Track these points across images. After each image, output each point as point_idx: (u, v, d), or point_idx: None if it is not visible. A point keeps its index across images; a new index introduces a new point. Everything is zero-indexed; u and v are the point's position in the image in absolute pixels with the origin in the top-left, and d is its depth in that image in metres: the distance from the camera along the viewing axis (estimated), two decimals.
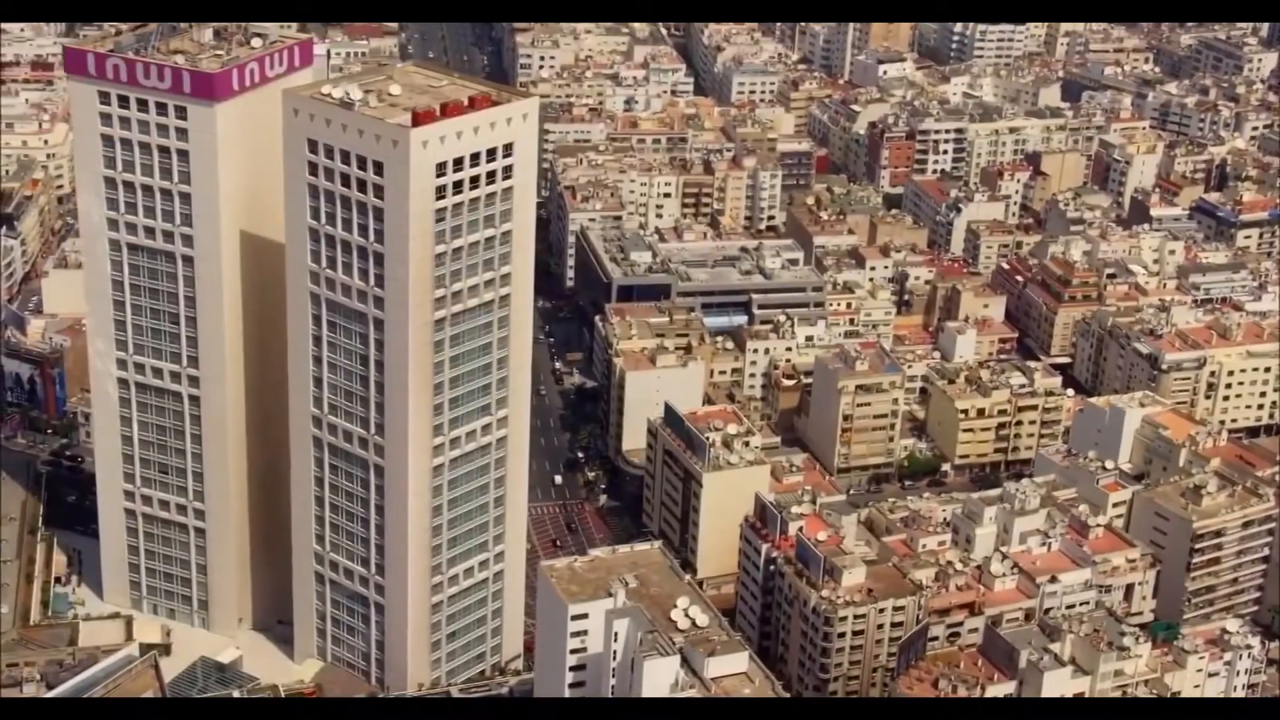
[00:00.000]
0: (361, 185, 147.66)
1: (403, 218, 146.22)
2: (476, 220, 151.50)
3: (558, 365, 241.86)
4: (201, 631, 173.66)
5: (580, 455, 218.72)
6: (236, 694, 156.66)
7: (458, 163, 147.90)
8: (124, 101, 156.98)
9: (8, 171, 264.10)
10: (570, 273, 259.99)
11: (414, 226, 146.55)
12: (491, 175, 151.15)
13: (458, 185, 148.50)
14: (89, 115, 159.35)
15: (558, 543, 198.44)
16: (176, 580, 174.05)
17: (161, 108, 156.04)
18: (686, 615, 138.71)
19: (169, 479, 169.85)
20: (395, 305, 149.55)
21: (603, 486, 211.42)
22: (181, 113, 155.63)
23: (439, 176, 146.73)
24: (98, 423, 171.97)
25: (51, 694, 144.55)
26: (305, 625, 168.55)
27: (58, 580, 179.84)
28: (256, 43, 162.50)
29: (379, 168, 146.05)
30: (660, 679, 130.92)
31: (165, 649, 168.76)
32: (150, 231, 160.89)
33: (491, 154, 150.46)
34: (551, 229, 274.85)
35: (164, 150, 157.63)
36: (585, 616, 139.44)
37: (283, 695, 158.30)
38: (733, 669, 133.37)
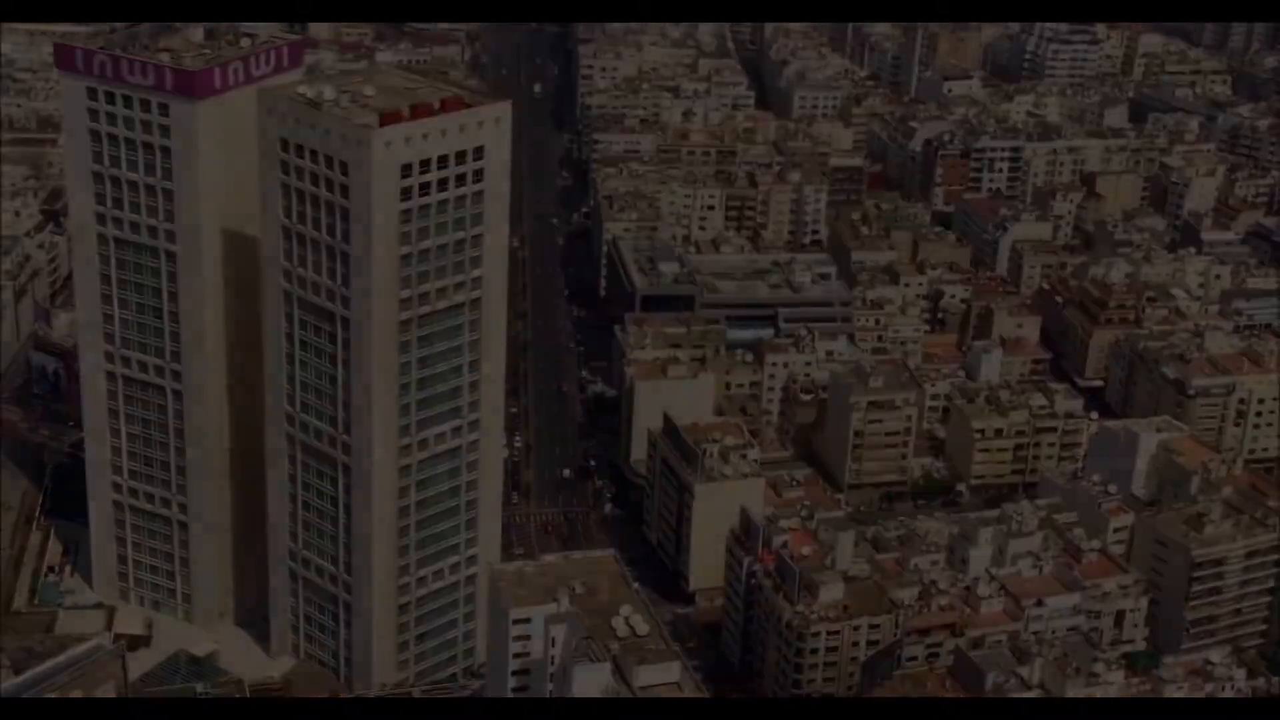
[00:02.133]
0: (329, 184, 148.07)
1: (367, 218, 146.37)
2: (445, 223, 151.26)
3: (583, 374, 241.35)
4: (184, 624, 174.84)
5: (591, 463, 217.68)
6: (201, 688, 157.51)
7: (425, 164, 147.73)
8: (110, 98, 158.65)
9: (61, 170, 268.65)
10: (605, 282, 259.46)
11: (379, 227, 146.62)
12: (461, 178, 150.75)
13: (425, 187, 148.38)
14: (78, 111, 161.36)
15: (554, 542, 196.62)
16: (161, 573, 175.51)
17: (146, 104, 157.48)
18: (627, 624, 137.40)
19: (154, 472, 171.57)
20: (361, 305, 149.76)
21: (609, 495, 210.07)
22: (164, 110, 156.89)
23: (405, 178, 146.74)
24: (88, 415, 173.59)
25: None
26: (281, 621, 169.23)
27: (51, 570, 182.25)
28: (245, 42, 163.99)
29: (344, 168, 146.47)
30: (591, 685, 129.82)
31: (145, 640, 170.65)
32: (135, 227, 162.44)
33: (461, 157, 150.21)
34: (592, 239, 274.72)
35: (148, 147, 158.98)
36: (527, 621, 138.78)
37: (247, 690, 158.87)
38: (663, 679, 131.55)
